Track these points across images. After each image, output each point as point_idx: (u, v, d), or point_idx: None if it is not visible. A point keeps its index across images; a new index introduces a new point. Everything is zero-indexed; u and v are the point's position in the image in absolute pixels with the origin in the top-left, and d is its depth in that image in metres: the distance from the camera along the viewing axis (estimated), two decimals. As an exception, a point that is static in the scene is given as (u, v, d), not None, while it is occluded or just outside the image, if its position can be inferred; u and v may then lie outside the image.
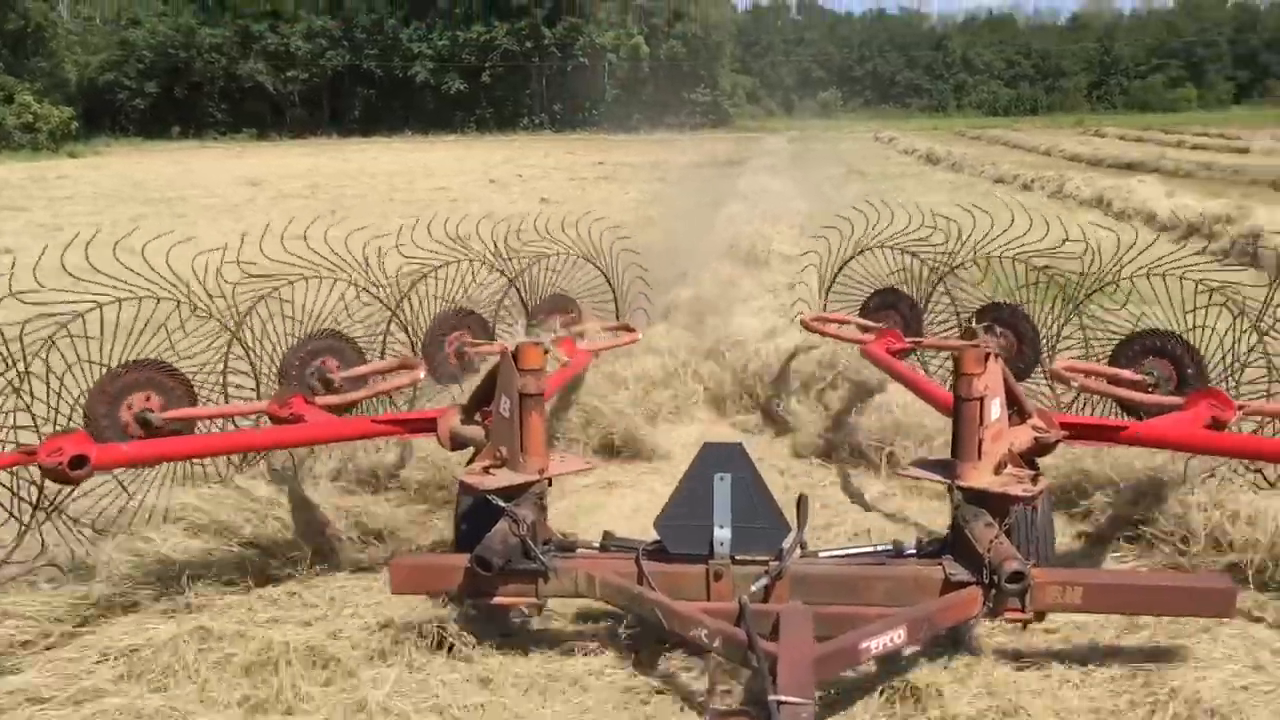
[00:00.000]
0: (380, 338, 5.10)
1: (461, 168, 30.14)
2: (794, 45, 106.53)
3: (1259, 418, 4.05)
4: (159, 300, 4.19)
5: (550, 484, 3.51)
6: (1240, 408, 3.86)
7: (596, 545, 3.49)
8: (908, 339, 5.29)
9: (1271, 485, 4.06)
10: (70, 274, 3.95)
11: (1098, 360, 4.71)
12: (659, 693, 3.18)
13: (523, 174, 27.20)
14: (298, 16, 70.16)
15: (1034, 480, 3.33)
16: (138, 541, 3.74)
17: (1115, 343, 4.69)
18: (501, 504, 3.28)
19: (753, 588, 3.15)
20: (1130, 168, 24.95)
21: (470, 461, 3.59)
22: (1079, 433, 3.79)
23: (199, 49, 67.48)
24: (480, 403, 3.68)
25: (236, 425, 4.20)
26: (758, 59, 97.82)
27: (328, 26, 70.23)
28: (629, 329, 5.79)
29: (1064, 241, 5.49)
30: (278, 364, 4.50)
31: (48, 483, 3.58)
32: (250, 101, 68.20)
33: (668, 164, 30.71)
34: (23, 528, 3.67)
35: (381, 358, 4.88)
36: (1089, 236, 5.25)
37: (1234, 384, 4.35)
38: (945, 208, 6.99)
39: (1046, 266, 5.24)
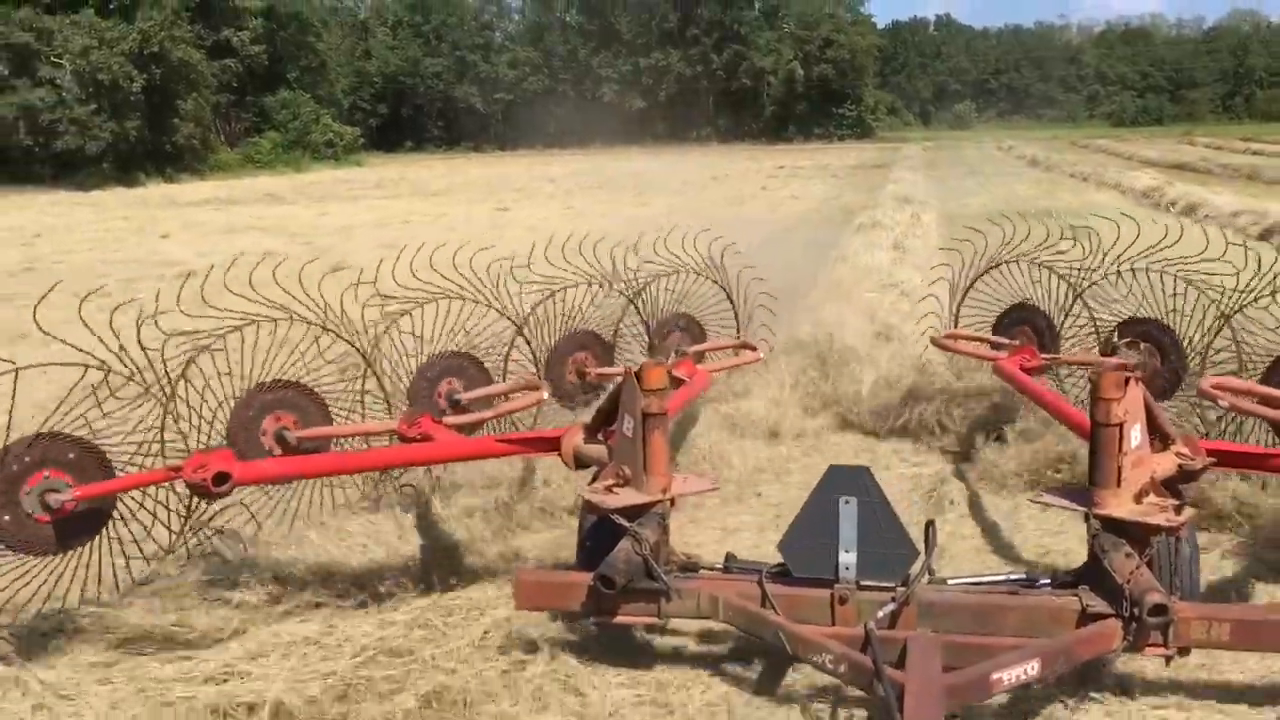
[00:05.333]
0: (505, 359, 5.21)
1: (676, 174, 36.19)
2: (931, 59, 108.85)
3: None
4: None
5: (673, 504, 3.51)
6: None
7: (719, 566, 3.48)
8: (1043, 355, 5.12)
9: None
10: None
11: (1250, 379, 4.45)
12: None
13: (727, 175, 35.24)
14: (505, 48, 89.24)
15: (1178, 510, 3.18)
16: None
17: (1270, 361, 4.43)
18: (625, 523, 3.30)
19: (879, 614, 3.08)
20: (1179, 168, 31.03)
21: (593, 481, 3.62)
22: (1227, 459, 3.61)
23: (422, 76, 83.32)
24: (604, 422, 3.72)
25: (369, 444, 4.34)
26: (896, 73, 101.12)
27: (530, 56, 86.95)
28: (750, 347, 5.77)
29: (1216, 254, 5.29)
30: (406, 385, 4.63)
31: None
32: (462, 119, 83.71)
33: (832, 166, 39.85)
34: (173, 539, 3.85)
35: (504, 379, 4.98)
36: (1235, 251, 5.02)
37: None
38: (1030, 196, 8.61)
39: (1190, 279, 5.02)
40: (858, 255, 11.65)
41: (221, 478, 3.44)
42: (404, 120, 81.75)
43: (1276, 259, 4.80)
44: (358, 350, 4.45)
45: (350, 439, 4.31)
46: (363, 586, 3.83)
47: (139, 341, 3.71)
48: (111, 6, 44.49)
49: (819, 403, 6.21)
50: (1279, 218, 14.32)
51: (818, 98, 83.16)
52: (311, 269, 4.76)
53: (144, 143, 43.41)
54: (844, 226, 16.14)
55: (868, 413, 6.04)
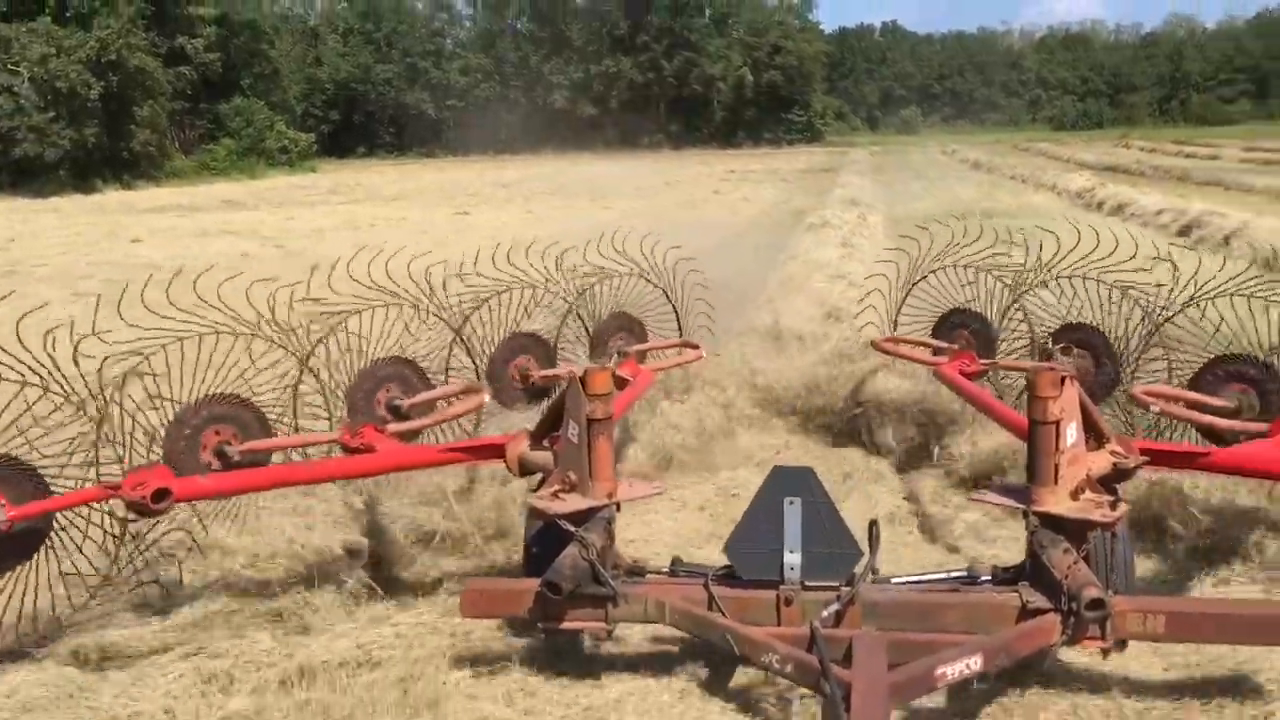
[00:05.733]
0: (445, 365, 5.16)
1: (630, 179, 36.88)
2: (877, 65, 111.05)
3: None
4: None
5: (619, 509, 3.51)
6: (1330, 434, 3.73)
7: (666, 570, 3.49)
8: (982, 360, 5.20)
9: None
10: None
11: (1178, 385, 4.58)
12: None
13: (679, 180, 35.90)
14: (456, 55, 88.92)
15: (1113, 506, 3.25)
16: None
17: (1197, 367, 4.56)
18: (570, 529, 3.30)
19: (824, 614, 3.11)
20: (1114, 170, 32.34)
21: (539, 487, 3.61)
22: (1160, 458, 3.70)
23: (373, 82, 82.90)
24: (549, 428, 3.71)
25: (309, 456, 4.28)
26: (843, 79, 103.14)
27: (481, 63, 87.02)
28: (692, 346, 5.79)
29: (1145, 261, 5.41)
30: (344, 393, 4.57)
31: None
32: (414, 126, 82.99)
33: (782, 170, 41.44)
34: (111, 560, 3.76)
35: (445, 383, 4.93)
36: (1168, 257, 5.13)
37: None
38: (972, 199, 9.15)
39: (1128, 287, 5.12)
40: (809, 252, 12.46)
41: (161, 494, 3.38)
42: (356, 126, 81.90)
43: (1198, 266, 4.92)
44: (296, 358, 4.38)
45: (293, 451, 4.25)
46: (295, 608, 3.77)
47: (74, 357, 3.62)
48: (68, 14, 44.41)
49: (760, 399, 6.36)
50: (1196, 215, 15.43)
51: (767, 103, 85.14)
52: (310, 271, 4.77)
53: (101, 150, 43.24)
54: (795, 227, 16.87)
55: (813, 411, 6.14)
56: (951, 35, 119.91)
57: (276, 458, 4.15)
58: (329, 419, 4.40)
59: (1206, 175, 27.80)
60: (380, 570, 4.05)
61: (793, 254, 12.62)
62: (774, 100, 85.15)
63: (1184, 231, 14.99)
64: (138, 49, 45.23)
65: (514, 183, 36.89)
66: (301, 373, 4.43)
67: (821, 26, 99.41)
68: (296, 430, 4.37)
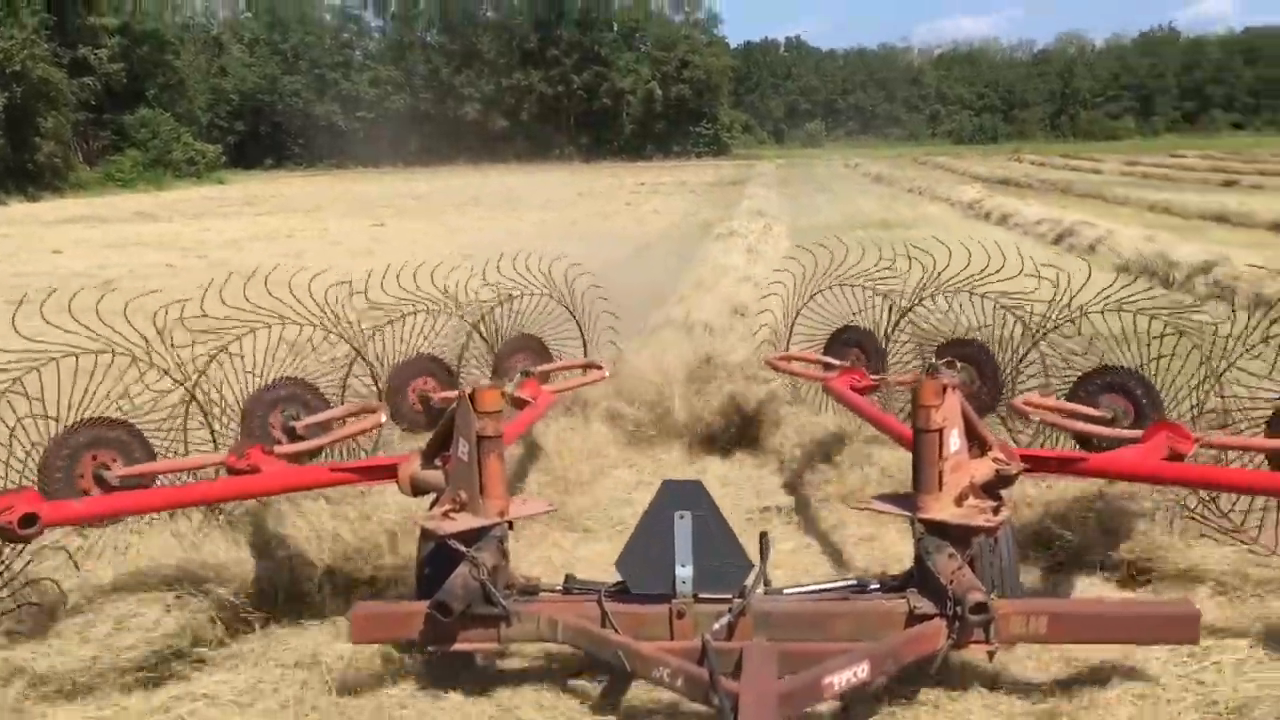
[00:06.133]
0: (342, 386, 5.06)
1: (542, 190, 37.47)
2: (783, 80, 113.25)
3: (1216, 450, 4.07)
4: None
5: (511, 527, 3.48)
6: (1197, 439, 3.89)
7: (559, 587, 3.46)
8: (871, 376, 5.31)
9: (1224, 515, 4.08)
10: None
11: (1057, 396, 4.74)
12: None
13: (591, 192, 36.48)
14: (366, 66, 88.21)
15: (995, 511, 3.33)
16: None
17: (1075, 378, 4.72)
18: (461, 549, 3.25)
19: (715, 626, 3.11)
20: (1004, 182, 34.05)
21: (431, 507, 3.55)
22: (1040, 465, 3.82)
23: (281, 93, 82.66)
24: (440, 447, 3.65)
25: (197, 478, 4.14)
26: (750, 93, 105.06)
27: (391, 74, 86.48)
28: (596, 366, 5.79)
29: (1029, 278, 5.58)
30: (239, 414, 4.45)
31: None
32: (323, 137, 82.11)
33: (691, 182, 42.16)
34: None
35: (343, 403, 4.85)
36: (1048, 273, 5.30)
37: (1193, 417, 4.38)
38: (872, 210, 9.78)
39: (1013, 307, 5.27)
40: (717, 258, 13.35)
41: (29, 519, 3.22)
42: (263, 138, 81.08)
43: (1068, 281, 5.09)
44: (179, 383, 4.25)
45: (178, 474, 4.11)
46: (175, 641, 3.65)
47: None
48: (-30, 25, 43.54)
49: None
50: (1069, 225, 16.88)
51: (675, 117, 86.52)
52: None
53: (5, 161, 42.74)
54: (704, 237, 17.66)
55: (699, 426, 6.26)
56: (854, 51, 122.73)
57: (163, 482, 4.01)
58: (213, 443, 4.27)
59: (1087, 188, 29.41)
60: (266, 597, 3.93)
61: (703, 259, 13.44)
62: (682, 113, 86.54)
63: (1058, 239, 16.26)
64: (41, 60, 44.70)
65: (427, 195, 37.12)
66: (192, 395, 4.30)
67: (728, 41, 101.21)
68: (186, 453, 4.24)
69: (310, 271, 5.33)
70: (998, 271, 5.46)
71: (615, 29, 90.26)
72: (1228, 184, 30.35)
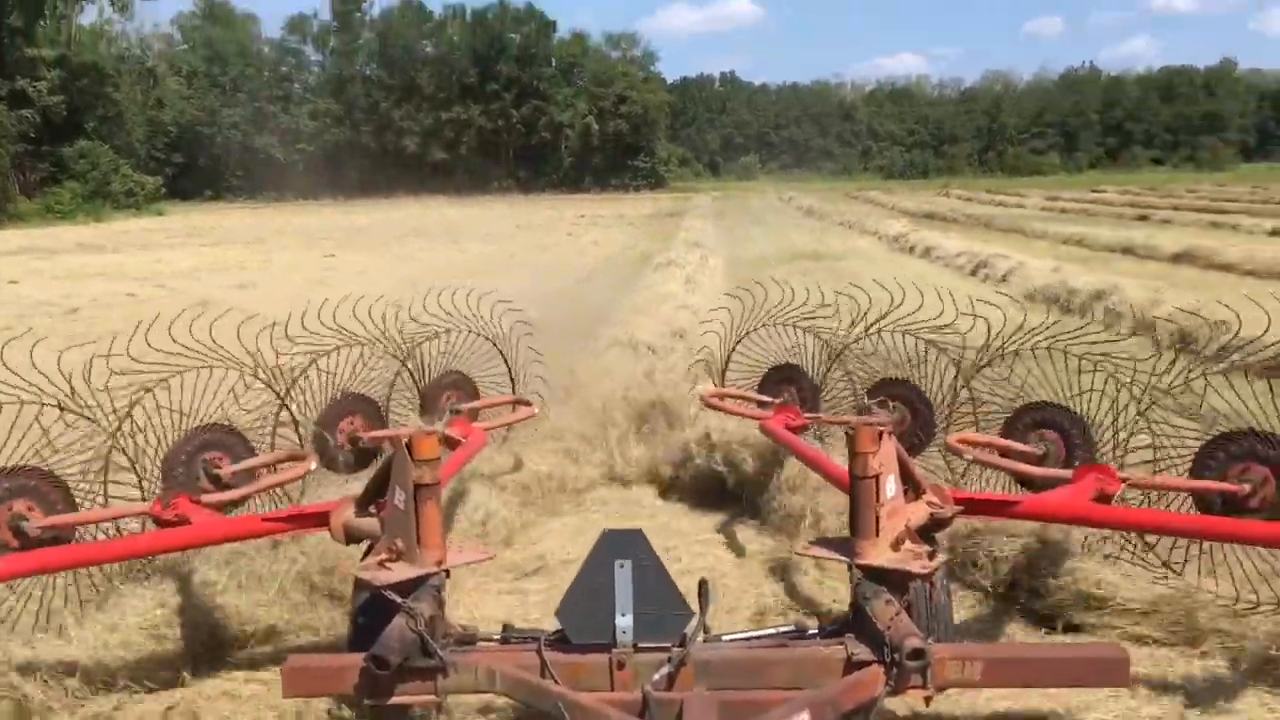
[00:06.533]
0: (272, 431, 4.95)
1: (483, 223, 38.29)
2: (717, 114, 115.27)
3: (1142, 490, 4.17)
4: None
5: (449, 576, 3.42)
6: (1124, 480, 3.98)
7: (497, 636, 3.41)
8: (805, 415, 5.35)
9: (1151, 548, 4.19)
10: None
11: (990, 432, 4.82)
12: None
13: (531, 224, 37.31)
14: (305, 99, 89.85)
15: (931, 556, 3.36)
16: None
17: (1007, 416, 4.81)
18: (398, 599, 3.19)
19: (655, 676, 3.08)
20: (929, 217, 35.68)
21: (365, 555, 3.48)
22: (973, 507, 3.86)
23: (220, 125, 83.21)
24: (375, 495, 3.59)
25: (121, 530, 4.01)
26: (686, 127, 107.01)
27: (331, 108, 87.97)
28: (525, 403, 5.76)
29: (959, 317, 5.68)
30: (160, 462, 4.32)
31: None
32: (262, 169, 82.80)
33: (629, 215, 43.46)
34: None
35: (272, 449, 4.74)
36: (981, 311, 5.42)
37: (1120, 454, 4.48)
38: (805, 243, 10.50)
39: (936, 341, 5.36)
40: (656, 286, 14.24)
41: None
42: (200, 169, 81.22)
43: (1003, 320, 5.22)
44: (102, 428, 4.13)
45: (100, 526, 3.98)
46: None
47: None
48: (-92, 57, 43.14)
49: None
50: (985, 257, 18.10)
51: (613, 150, 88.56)
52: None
53: None
54: (644, 266, 18.48)
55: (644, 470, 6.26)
56: (787, 86, 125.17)
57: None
58: (140, 492, 4.15)
59: (1009, 223, 30.92)
60: (199, 653, 3.81)
61: (645, 287, 14.41)
62: (620, 147, 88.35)
63: (974, 270, 17.48)
64: (-20, 92, 44.49)
65: (369, 227, 37.54)
66: (111, 444, 4.17)
67: (664, 77, 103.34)
68: (106, 503, 4.10)
69: (275, 302, 5.25)
70: (933, 313, 5.57)
71: (554, 64, 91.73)
72: (1141, 218, 32.23)
